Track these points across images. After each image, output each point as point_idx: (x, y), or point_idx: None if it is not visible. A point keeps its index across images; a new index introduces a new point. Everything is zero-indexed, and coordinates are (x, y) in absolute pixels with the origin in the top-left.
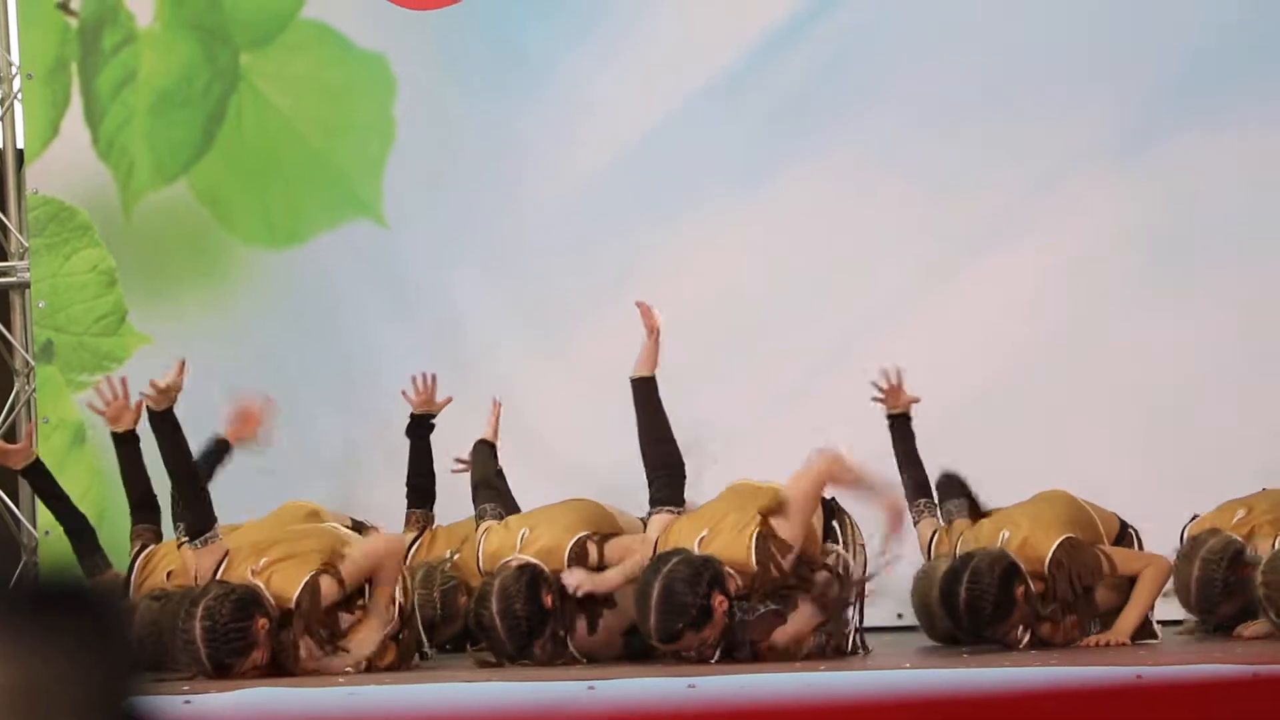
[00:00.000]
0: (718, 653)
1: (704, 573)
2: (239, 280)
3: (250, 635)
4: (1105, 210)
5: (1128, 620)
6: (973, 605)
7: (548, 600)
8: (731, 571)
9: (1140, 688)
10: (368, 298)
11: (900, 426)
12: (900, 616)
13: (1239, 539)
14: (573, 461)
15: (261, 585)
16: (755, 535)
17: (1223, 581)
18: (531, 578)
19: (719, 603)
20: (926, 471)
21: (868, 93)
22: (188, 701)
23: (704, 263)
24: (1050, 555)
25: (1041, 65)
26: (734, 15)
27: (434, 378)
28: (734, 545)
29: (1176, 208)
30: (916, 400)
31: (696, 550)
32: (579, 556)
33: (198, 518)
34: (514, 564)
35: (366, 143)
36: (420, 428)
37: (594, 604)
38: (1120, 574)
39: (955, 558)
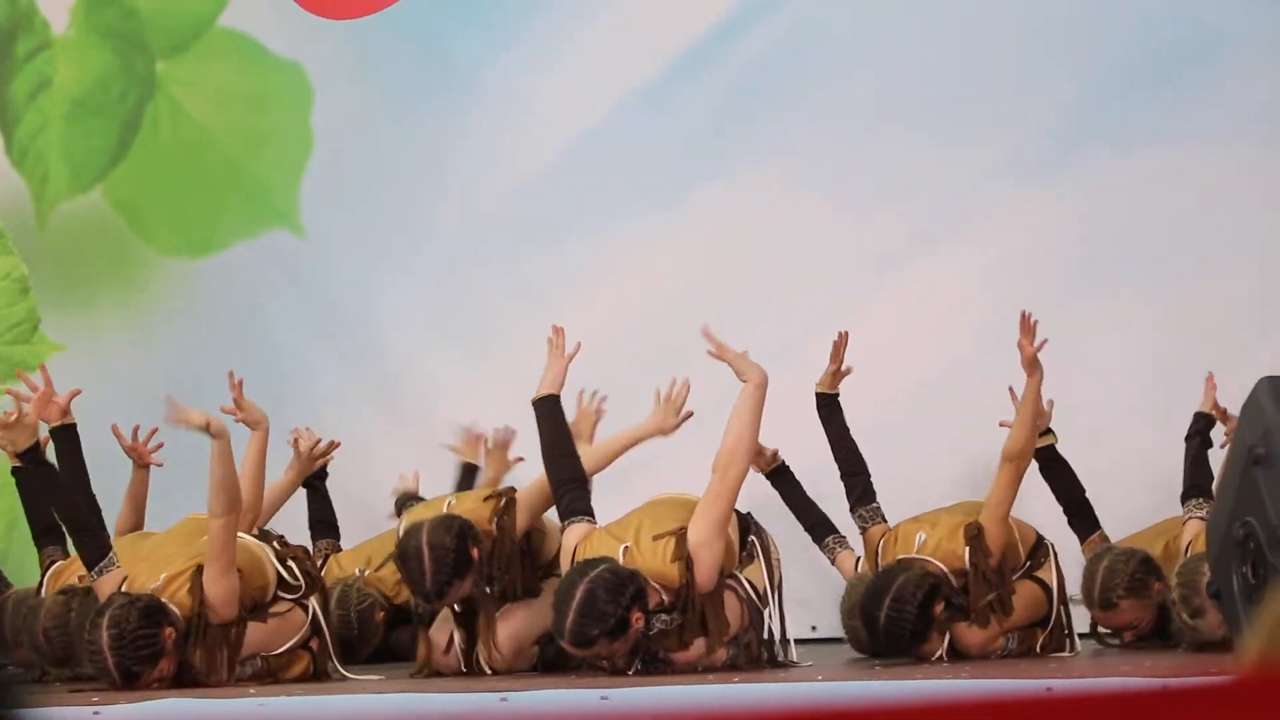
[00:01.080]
0: (637, 662)
1: (628, 586)
2: (155, 289)
3: (157, 644)
4: (1030, 221)
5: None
6: (891, 629)
7: (474, 552)
8: (655, 586)
9: (1050, 701)
10: (285, 308)
11: (831, 410)
12: (814, 629)
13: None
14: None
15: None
16: (683, 566)
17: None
18: (462, 527)
19: (636, 618)
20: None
21: (794, 103)
22: (97, 714)
23: (631, 274)
24: (967, 552)
25: (965, 77)
26: (660, 26)
27: (310, 431)
28: (657, 559)
29: (1102, 220)
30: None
31: (621, 561)
32: None
33: (91, 551)
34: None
35: (284, 152)
36: (315, 478)
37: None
38: (1022, 542)
39: (878, 572)
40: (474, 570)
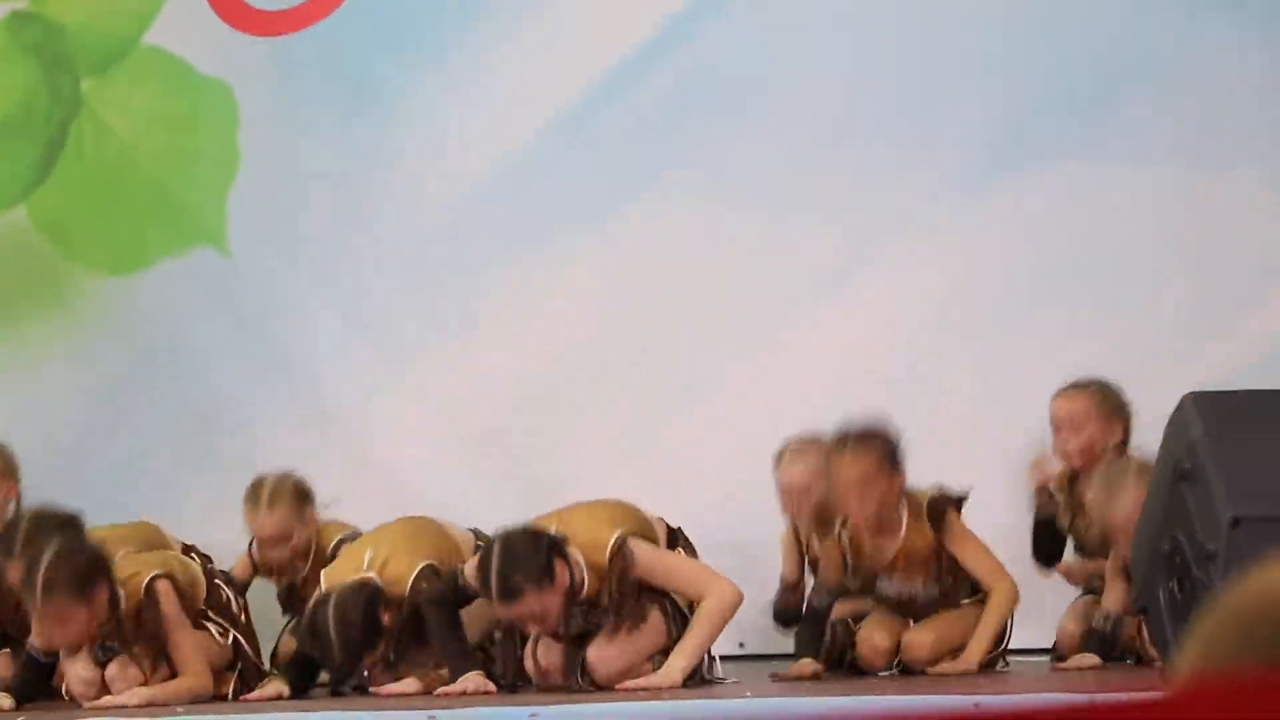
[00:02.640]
0: (561, 644)
1: (544, 538)
2: (81, 307)
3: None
4: (963, 241)
5: (976, 648)
6: None
7: (385, 618)
8: (579, 560)
9: (977, 716)
10: (211, 326)
11: None
12: (742, 646)
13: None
14: (416, 492)
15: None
16: (616, 539)
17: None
18: (371, 594)
19: (560, 568)
20: None
21: (719, 122)
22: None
23: (559, 295)
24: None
25: (901, 90)
26: (581, 48)
27: None
28: (592, 542)
29: (1034, 236)
30: None
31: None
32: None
33: None
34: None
35: (210, 170)
36: None
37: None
38: None
39: None
40: (385, 637)
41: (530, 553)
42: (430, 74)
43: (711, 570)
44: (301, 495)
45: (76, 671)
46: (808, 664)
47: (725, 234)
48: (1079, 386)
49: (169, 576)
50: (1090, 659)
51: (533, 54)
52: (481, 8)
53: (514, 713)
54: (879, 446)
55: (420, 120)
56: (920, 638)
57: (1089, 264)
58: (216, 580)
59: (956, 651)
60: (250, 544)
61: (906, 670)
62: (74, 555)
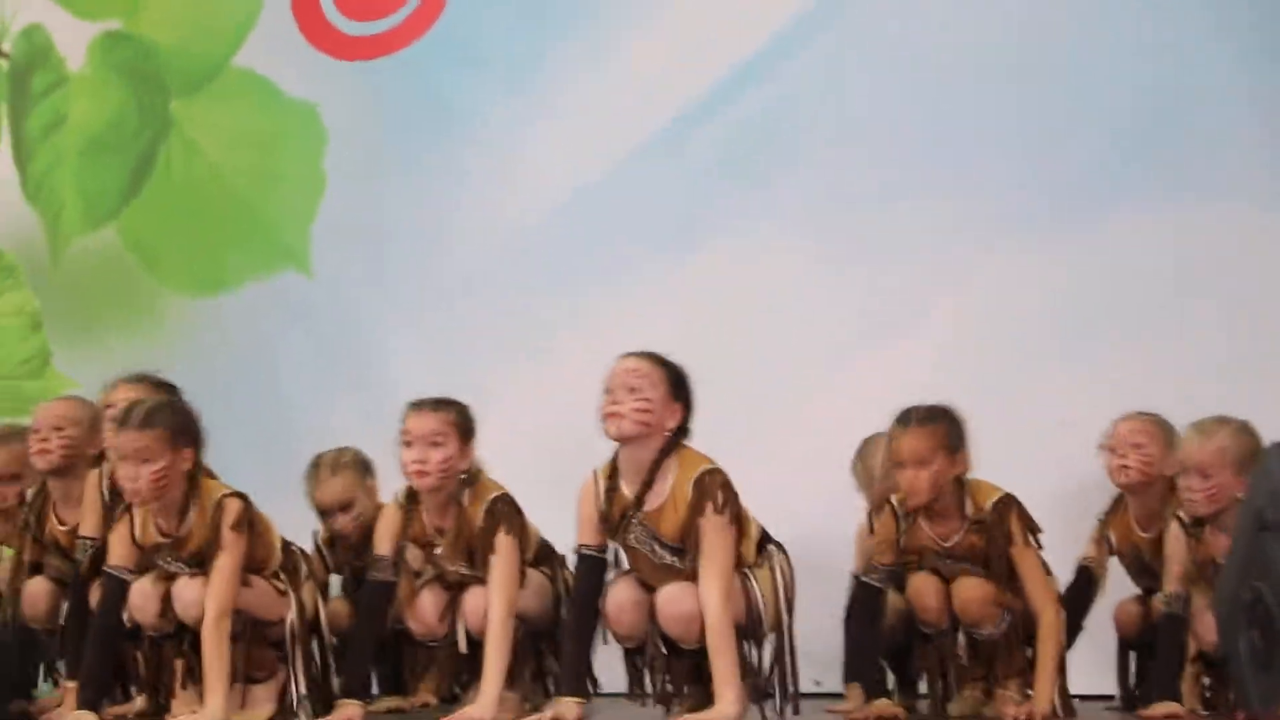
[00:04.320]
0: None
1: None
2: (165, 327)
3: None
4: (1032, 281)
5: (1044, 690)
6: None
7: None
8: None
9: None
10: (292, 349)
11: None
12: (818, 684)
13: None
14: None
15: None
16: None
17: None
18: None
19: None
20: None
21: (804, 156)
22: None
23: (638, 322)
24: None
25: (976, 136)
26: (670, 73)
27: None
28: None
29: (1100, 282)
30: None
31: None
32: None
33: None
34: None
35: (296, 193)
36: None
37: None
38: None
39: None
40: None
41: None
42: (515, 98)
43: None
44: (363, 465)
45: (141, 587)
46: (885, 706)
47: (797, 271)
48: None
49: (244, 500)
50: (1172, 707)
51: (619, 76)
52: (567, 34)
53: None
54: (941, 426)
55: (503, 144)
56: (969, 592)
57: (1149, 303)
58: (293, 547)
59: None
60: (317, 543)
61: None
62: (182, 409)
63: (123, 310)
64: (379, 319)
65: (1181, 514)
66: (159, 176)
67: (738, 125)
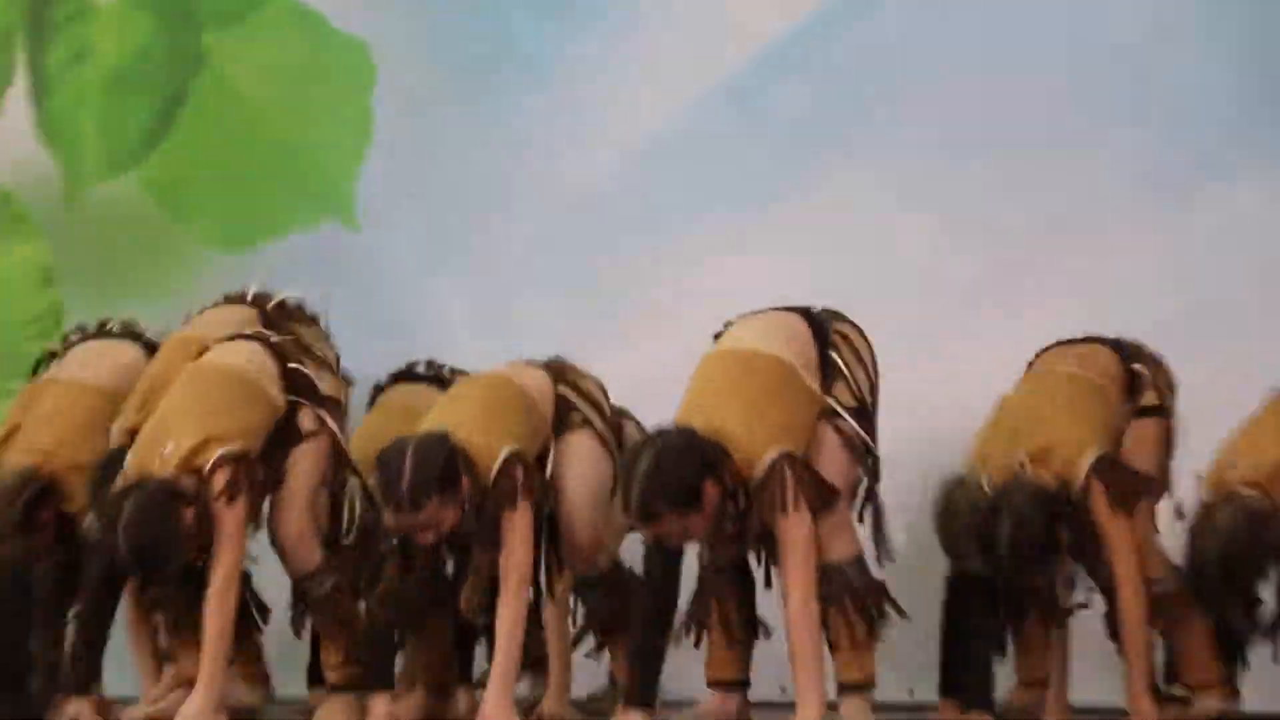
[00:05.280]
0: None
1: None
2: (192, 283)
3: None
4: (1130, 254)
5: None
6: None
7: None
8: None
9: None
10: (333, 306)
11: None
12: (912, 693)
13: None
14: None
15: None
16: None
17: None
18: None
19: (710, 489)
20: None
21: (884, 115)
22: None
23: (700, 283)
24: None
25: (1067, 100)
26: (744, 22)
27: None
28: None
29: (1202, 262)
30: None
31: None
32: None
33: None
34: None
35: (340, 137)
36: None
37: None
38: None
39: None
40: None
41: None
42: (582, 35)
43: None
44: None
45: None
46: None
47: (883, 226)
48: None
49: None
50: None
51: (690, 23)
52: None
53: None
54: None
55: (567, 85)
56: None
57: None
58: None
59: None
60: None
61: None
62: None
63: (145, 265)
64: (426, 274)
65: None
66: (189, 118)
67: (832, 61)
